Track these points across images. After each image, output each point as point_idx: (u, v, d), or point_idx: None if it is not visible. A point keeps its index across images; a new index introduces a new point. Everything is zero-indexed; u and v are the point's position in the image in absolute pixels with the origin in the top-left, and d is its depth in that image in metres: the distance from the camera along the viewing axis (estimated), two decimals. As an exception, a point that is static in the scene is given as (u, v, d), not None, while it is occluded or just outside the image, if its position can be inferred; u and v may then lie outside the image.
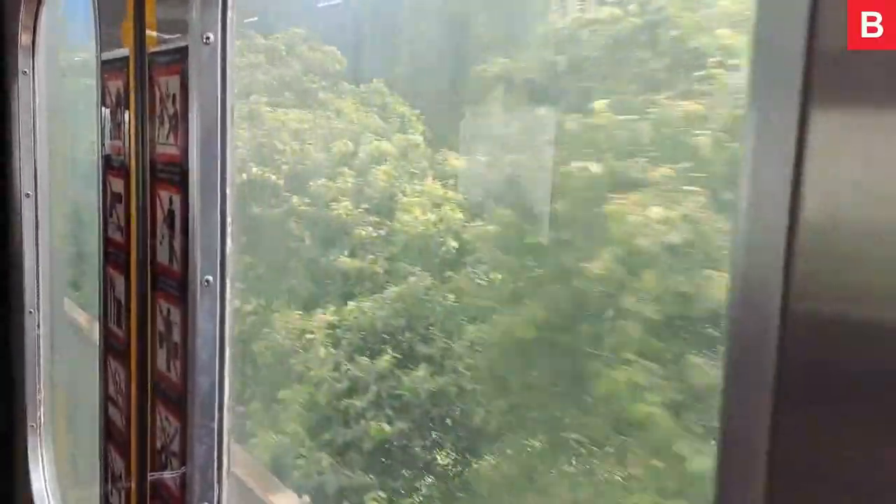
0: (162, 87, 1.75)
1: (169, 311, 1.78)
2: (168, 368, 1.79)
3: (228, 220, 1.66)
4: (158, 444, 1.85)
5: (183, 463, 1.73)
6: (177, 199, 1.72)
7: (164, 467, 1.82)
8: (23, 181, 2.80)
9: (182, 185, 1.68)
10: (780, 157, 0.68)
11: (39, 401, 2.90)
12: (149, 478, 1.89)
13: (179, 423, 1.74)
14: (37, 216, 2.83)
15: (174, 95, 1.69)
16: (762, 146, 0.72)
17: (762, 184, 0.71)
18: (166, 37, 1.75)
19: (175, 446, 1.76)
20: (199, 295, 1.65)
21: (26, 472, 2.92)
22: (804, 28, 0.66)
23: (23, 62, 2.73)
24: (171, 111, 1.71)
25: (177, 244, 1.73)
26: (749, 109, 0.73)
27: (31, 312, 2.86)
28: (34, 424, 2.91)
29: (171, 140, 1.72)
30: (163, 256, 1.80)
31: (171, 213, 1.75)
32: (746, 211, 0.72)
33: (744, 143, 0.73)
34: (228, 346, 1.67)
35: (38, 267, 2.85)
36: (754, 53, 0.73)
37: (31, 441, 2.92)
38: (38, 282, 2.85)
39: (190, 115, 1.63)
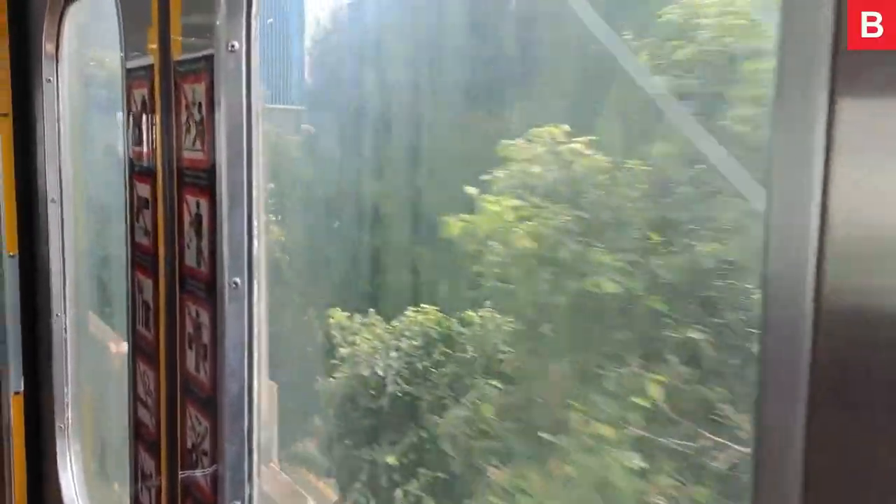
0: (188, 95, 1.78)
1: (197, 313, 1.81)
2: (197, 370, 1.83)
3: (255, 222, 1.69)
4: (189, 444, 1.88)
5: (214, 461, 1.76)
6: (204, 203, 1.75)
7: (194, 466, 1.85)
8: (48, 187, 2.86)
9: (209, 189, 1.71)
10: (809, 156, 0.68)
11: (67, 403, 2.96)
12: (180, 476, 1.92)
13: (209, 424, 1.78)
14: (62, 221, 2.89)
15: (200, 103, 1.73)
16: (789, 146, 0.72)
17: (791, 182, 0.71)
18: (191, 45, 1.78)
19: (206, 445, 1.80)
20: (227, 297, 1.68)
21: (55, 473, 2.98)
22: (831, 26, 0.66)
23: (47, 70, 2.78)
24: (198, 118, 1.74)
25: (204, 247, 1.76)
26: (775, 109, 0.74)
27: (57, 316, 2.91)
28: (62, 426, 2.96)
29: (198, 146, 1.75)
30: (190, 259, 1.83)
31: (198, 216, 1.78)
32: (776, 210, 0.72)
33: (771, 143, 0.74)
34: (257, 349, 1.70)
35: (64, 272, 2.90)
36: (780, 51, 0.73)
37: (60, 443, 2.98)
38: (64, 286, 2.91)
39: (216, 122, 1.66)
